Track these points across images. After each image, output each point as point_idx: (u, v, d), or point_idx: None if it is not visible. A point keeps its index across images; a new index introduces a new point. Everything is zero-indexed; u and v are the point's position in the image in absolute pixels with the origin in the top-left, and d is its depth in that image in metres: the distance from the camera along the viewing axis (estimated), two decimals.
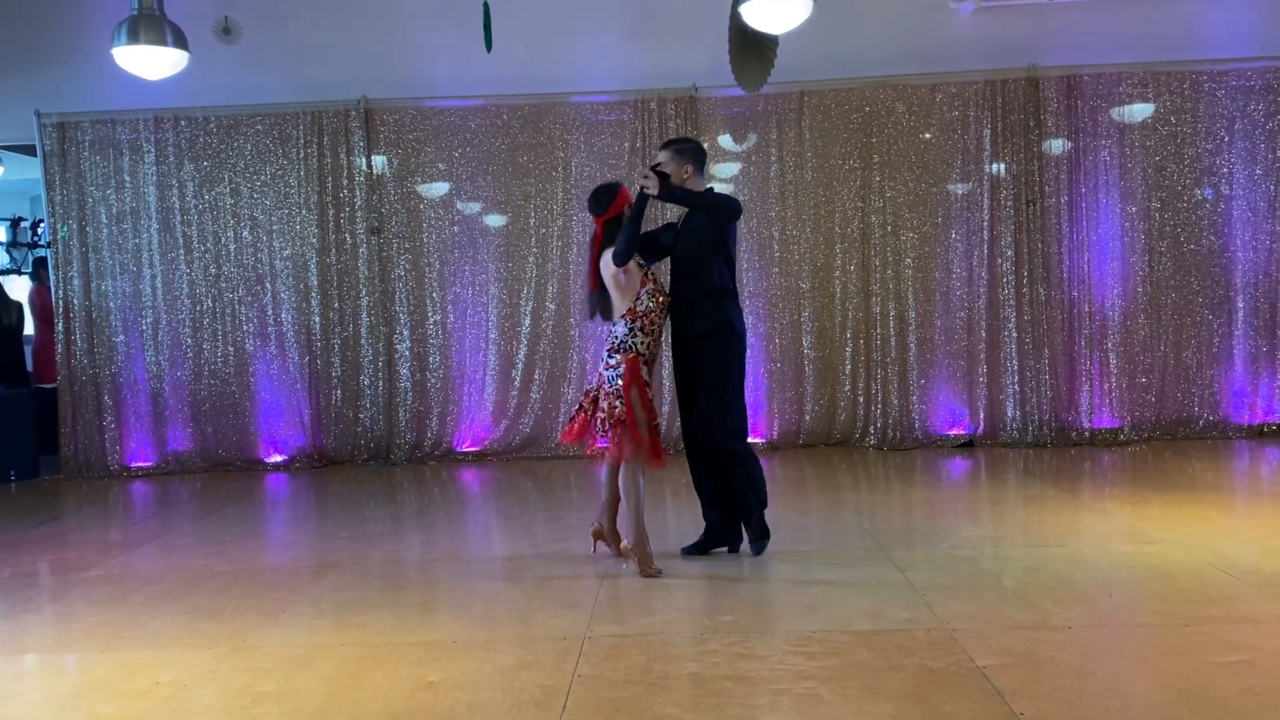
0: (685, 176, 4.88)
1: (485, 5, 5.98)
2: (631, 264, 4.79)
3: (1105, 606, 4.11)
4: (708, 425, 4.90)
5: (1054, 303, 8.47)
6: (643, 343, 4.82)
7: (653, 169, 4.80)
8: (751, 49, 5.75)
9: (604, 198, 4.92)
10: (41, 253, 10.18)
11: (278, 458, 8.77)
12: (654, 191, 4.69)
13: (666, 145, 5.06)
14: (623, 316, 4.83)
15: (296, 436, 8.78)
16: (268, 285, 8.76)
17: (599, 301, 4.94)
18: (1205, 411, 8.49)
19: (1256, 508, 6.14)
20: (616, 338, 4.83)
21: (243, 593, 4.76)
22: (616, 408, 4.72)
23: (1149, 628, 3.81)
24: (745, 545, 5.12)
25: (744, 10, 5.41)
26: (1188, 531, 5.21)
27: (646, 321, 4.82)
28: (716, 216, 4.89)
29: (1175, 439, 8.42)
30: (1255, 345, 8.49)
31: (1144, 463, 7.51)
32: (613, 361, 4.81)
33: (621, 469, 4.81)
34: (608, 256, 4.79)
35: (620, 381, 4.75)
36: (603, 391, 4.82)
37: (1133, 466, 7.37)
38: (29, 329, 10.20)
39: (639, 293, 4.82)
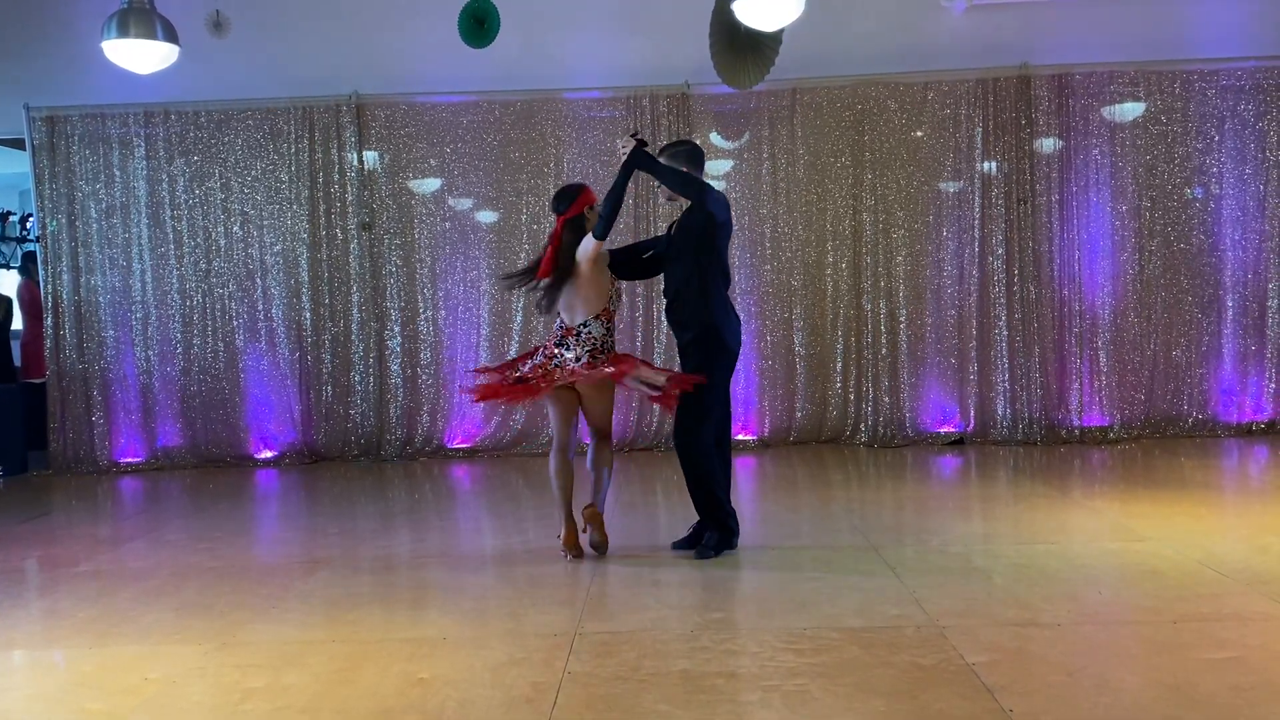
0: None
1: (487, 6, 5.95)
2: (604, 252, 4.91)
3: (1094, 603, 4.12)
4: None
5: (1044, 301, 8.50)
6: (612, 341, 5.05)
7: (632, 136, 4.86)
8: (749, 47, 5.73)
9: (566, 197, 5.01)
10: (30, 247, 10.11)
11: (268, 454, 8.75)
12: (625, 157, 4.80)
13: (662, 151, 5.07)
14: (598, 317, 4.95)
15: (287, 432, 8.76)
16: (258, 281, 8.73)
17: (549, 294, 5.01)
18: (1194, 410, 8.53)
19: (1245, 505, 6.18)
20: (595, 338, 4.93)
21: (232, 589, 4.75)
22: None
23: (1138, 625, 3.82)
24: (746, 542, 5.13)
25: (736, 8, 5.40)
26: (1177, 529, 5.23)
27: (612, 322, 5.03)
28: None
29: (1164, 437, 8.45)
30: (1244, 344, 8.53)
31: (1133, 460, 7.54)
32: (595, 362, 4.87)
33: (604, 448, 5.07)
34: (587, 243, 4.85)
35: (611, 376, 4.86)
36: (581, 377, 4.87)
37: (1122, 464, 7.40)
38: (17, 324, 10.14)
39: (612, 293, 5.00)
